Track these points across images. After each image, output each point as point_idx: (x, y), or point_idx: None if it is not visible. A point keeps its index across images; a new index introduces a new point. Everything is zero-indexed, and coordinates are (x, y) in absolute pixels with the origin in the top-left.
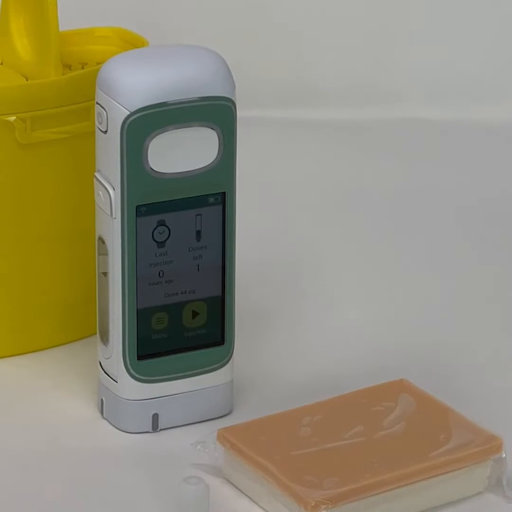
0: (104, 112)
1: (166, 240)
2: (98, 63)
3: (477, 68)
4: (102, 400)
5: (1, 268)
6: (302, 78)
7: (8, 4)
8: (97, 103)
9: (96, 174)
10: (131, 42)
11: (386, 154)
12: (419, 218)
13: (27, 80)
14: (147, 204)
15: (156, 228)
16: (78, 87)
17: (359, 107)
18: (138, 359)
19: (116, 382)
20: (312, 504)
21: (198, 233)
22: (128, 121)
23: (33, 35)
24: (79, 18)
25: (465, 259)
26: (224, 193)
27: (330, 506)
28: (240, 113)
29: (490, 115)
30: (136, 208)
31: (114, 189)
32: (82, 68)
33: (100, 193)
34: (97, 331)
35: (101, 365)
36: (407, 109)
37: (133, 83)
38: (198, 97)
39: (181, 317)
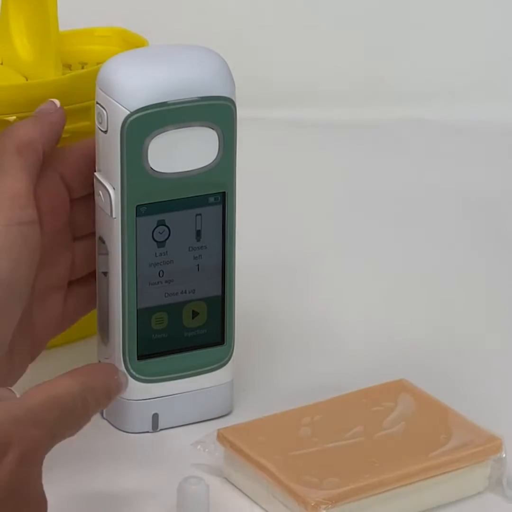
0: (104, 112)
1: (166, 240)
2: (98, 63)
3: (477, 68)
4: None
5: None
6: (302, 78)
7: (8, 4)
8: (97, 103)
9: (96, 174)
10: (131, 42)
11: (387, 154)
12: (419, 218)
13: (27, 80)
14: (147, 204)
15: (156, 228)
16: (78, 87)
17: (359, 107)
18: (138, 359)
19: None
20: (312, 504)
21: (198, 233)
22: (128, 121)
23: (33, 35)
24: (79, 18)
25: (466, 258)
26: (224, 193)
27: (330, 506)
28: (240, 113)
29: (490, 115)
30: (136, 208)
31: (114, 189)
32: (82, 68)
33: (100, 192)
34: (97, 331)
35: None
36: (407, 109)
37: (133, 83)
38: (198, 97)
39: (181, 317)
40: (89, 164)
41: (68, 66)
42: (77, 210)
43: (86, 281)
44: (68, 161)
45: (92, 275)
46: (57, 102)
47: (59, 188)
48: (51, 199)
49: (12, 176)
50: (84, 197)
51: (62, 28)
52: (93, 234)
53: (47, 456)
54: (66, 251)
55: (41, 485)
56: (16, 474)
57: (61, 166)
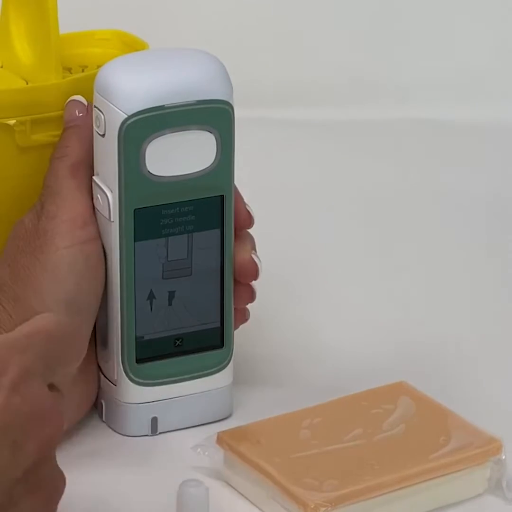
0: (102, 116)
1: None
2: (98, 66)
3: (477, 68)
4: (101, 403)
5: None
6: (302, 78)
7: (8, 8)
8: (95, 107)
9: (95, 178)
10: (131, 45)
11: (387, 154)
12: (419, 219)
13: (27, 83)
14: (144, 207)
15: None
16: (78, 90)
17: (359, 107)
18: (136, 363)
19: (115, 385)
20: (312, 507)
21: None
22: (126, 125)
23: (33, 38)
24: (79, 20)
25: (466, 260)
26: (223, 196)
27: (329, 508)
28: (238, 113)
29: (490, 115)
30: (134, 211)
31: (112, 192)
32: (83, 71)
33: (98, 196)
34: (96, 335)
35: (100, 369)
36: (407, 109)
37: (131, 87)
38: (196, 101)
39: (180, 320)
40: None
41: (69, 70)
42: None
43: None
44: None
45: None
46: (83, 100)
47: None
48: None
49: (68, 198)
50: None
51: (62, 31)
52: None
53: None
54: None
55: (50, 403)
56: (11, 400)
57: None
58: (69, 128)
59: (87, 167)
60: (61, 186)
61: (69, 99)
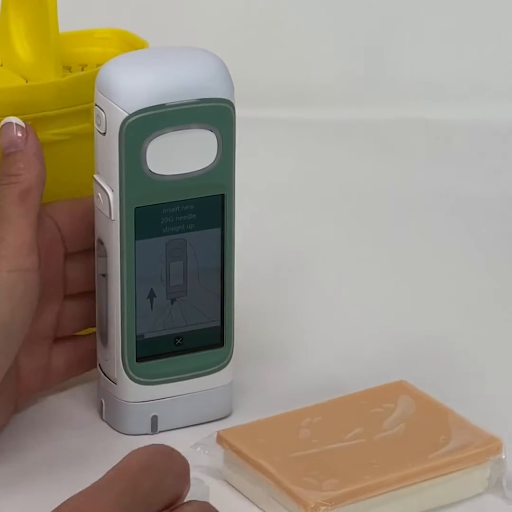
0: (103, 114)
1: None
2: (98, 65)
3: (477, 68)
4: (101, 402)
5: None
6: (302, 78)
7: (8, 6)
8: (96, 105)
9: (95, 176)
10: (131, 44)
11: (386, 154)
12: (419, 219)
13: (27, 82)
14: (145, 206)
15: None
16: (78, 89)
17: (359, 107)
18: (137, 361)
19: (116, 384)
20: (312, 506)
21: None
22: (127, 123)
23: (33, 37)
24: (79, 19)
25: (465, 260)
26: (223, 195)
27: (329, 507)
28: (239, 112)
29: (490, 115)
30: (135, 209)
31: (112, 191)
32: (82, 69)
33: (99, 195)
34: (97, 333)
35: (100, 367)
36: (407, 109)
37: (132, 85)
38: (197, 99)
39: (180, 319)
40: (88, 222)
41: (68, 68)
42: (71, 265)
43: (75, 339)
44: (67, 213)
45: (79, 335)
46: (21, 122)
47: (55, 238)
48: (45, 247)
49: (16, 225)
50: (80, 253)
51: (61, 29)
52: (84, 294)
53: (45, 457)
54: (53, 303)
55: None
56: None
57: (60, 217)
58: (11, 154)
59: (37, 191)
60: (10, 212)
61: (3, 122)
